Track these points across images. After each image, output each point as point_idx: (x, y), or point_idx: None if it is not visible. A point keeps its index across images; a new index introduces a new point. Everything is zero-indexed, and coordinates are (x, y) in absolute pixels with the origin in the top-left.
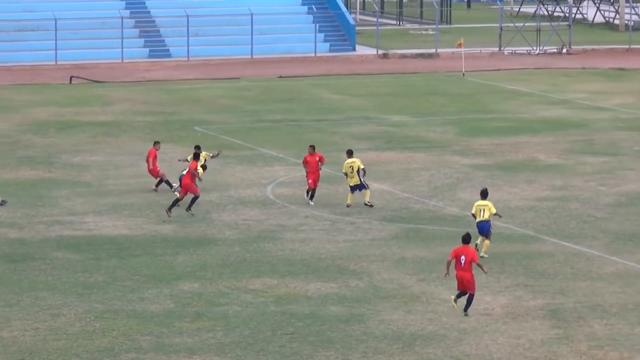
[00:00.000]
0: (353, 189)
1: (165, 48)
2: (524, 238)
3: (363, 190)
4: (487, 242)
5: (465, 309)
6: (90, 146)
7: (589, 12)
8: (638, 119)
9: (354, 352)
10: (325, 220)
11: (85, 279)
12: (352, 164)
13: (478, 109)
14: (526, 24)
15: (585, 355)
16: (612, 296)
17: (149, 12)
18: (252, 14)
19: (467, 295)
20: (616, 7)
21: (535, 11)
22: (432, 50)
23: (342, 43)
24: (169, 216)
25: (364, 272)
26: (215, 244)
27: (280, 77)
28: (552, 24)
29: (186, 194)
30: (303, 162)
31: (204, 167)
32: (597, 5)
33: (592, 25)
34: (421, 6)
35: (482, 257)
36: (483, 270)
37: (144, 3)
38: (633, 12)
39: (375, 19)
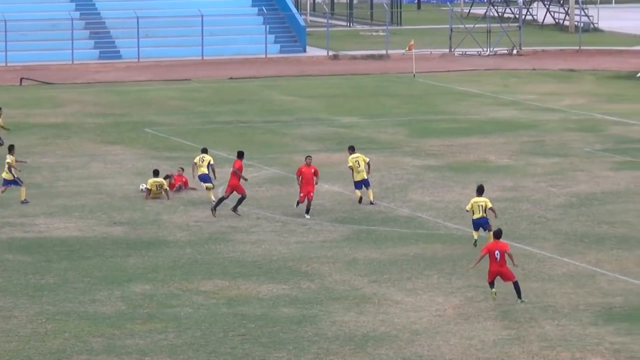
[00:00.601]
0: (359, 184)
1: (115, 49)
2: None
3: (369, 187)
4: (490, 234)
5: (520, 296)
6: (40, 148)
7: (539, 13)
8: (588, 120)
9: (306, 354)
10: (277, 222)
11: (37, 280)
12: (357, 159)
13: (429, 110)
14: (476, 25)
15: (537, 356)
16: (564, 297)
17: (99, 13)
18: (202, 15)
19: (512, 285)
20: (566, 9)
21: (486, 12)
22: (383, 52)
23: (292, 44)
24: (214, 216)
25: (315, 274)
26: (167, 245)
27: (231, 78)
28: (503, 25)
29: (232, 193)
30: (297, 173)
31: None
32: (547, 6)
33: (542, 26)
34: (371, 7)
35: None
36: (512, 261)
37: (94, 4)
38: (582, 13)
39: (325, 20)
